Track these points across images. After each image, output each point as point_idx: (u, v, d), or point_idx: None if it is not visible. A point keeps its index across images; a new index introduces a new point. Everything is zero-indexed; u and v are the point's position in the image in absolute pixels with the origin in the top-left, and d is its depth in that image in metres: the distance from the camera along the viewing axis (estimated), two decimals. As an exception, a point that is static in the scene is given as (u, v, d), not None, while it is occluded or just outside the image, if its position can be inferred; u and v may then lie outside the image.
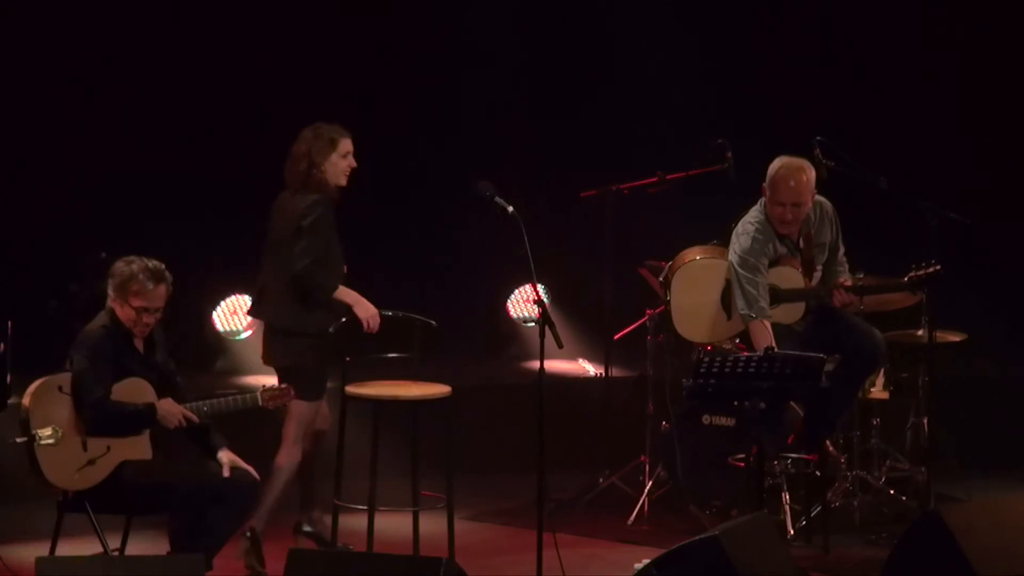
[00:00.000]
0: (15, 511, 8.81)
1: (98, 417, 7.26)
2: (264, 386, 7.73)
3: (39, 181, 10.55)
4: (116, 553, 7.44)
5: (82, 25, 10.55)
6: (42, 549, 7.27)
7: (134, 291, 7.42)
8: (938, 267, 8.45)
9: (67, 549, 7.33)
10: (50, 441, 7.18)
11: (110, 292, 7.47)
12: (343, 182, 8.27)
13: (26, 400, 7.26)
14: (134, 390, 7.41)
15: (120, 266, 7.48)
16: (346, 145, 8.26)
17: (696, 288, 8.82)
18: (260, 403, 7.65)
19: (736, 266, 8.65)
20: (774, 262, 8.71)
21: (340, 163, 8.25)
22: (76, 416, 7.27)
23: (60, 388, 7.28)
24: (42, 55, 10.49)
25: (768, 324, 8.57)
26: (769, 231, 8.69)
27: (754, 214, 8.73)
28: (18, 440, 7.21)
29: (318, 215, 8.11)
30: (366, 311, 8.13)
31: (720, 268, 8.81)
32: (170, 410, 7.40)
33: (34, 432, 7.18)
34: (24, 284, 10.26)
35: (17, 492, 8.91)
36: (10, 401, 7.74)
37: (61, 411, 7.26)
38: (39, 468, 7.21)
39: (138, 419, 7.37)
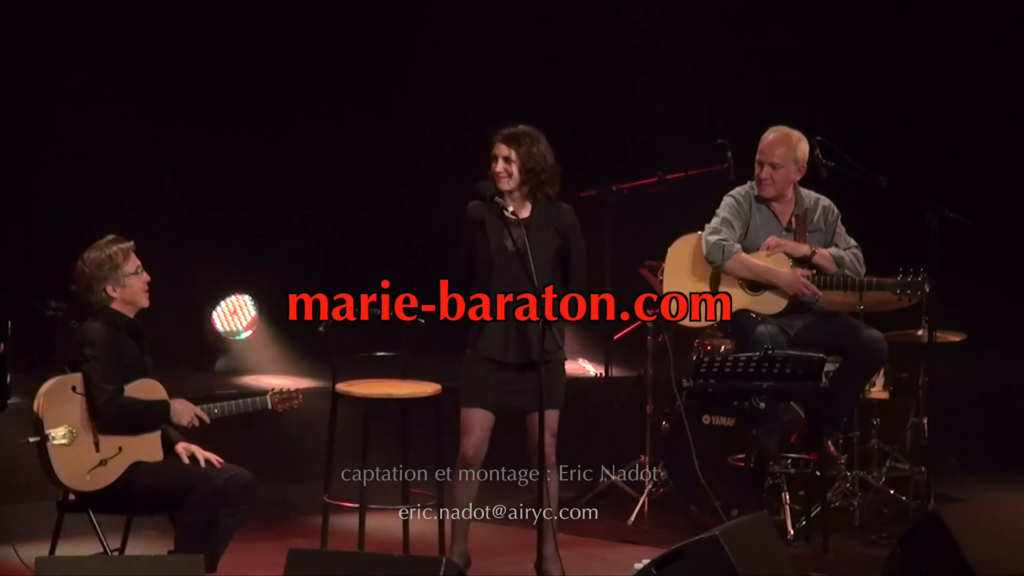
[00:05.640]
0: (15, 511, 8.80)
1: (111, 411, 7.18)
2: (274, 389, 7.70)
3: (38, 181, 10.56)
4: (116, 553, 7.42)
5: (81, 25, 10.56)
6: (42, 549, 7.25)
7: (121, 261, 7.34)
8: (922, 277, 8.47)
9: (67, 549, 7.30)
10: (63, 441, 7.13)
11: (102, 289, 7.35)
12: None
13: (39, 400, 7.19)
14: (147, 390, 7.35)
15: (91, 260, 7.36)
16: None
17: (685, 270, 8.79)
18: (270, 406, 7.60)
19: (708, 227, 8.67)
20: (751, 238, 8.68)
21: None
22: (89, 416, 7.20)
23: (73, 388, 7.21)
24: (42, 54, 10.50)
25: (743, 253, 8.58)
26: (750, 201, 8.69)
27: (744, 186, 8.77)
28: (31, 440, 7.15)
29: None
30: None
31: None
32: (183, 408, 7.37)
33: (47, 432, 7.12)
34: (23, 284, 10.26)
35: (17, 492, 8.91)
36: (11, 400, 7.73)
37: (74, 411, 7.19)
38: (51, 469, 7.15)
39: (151, 414, 7.30)
